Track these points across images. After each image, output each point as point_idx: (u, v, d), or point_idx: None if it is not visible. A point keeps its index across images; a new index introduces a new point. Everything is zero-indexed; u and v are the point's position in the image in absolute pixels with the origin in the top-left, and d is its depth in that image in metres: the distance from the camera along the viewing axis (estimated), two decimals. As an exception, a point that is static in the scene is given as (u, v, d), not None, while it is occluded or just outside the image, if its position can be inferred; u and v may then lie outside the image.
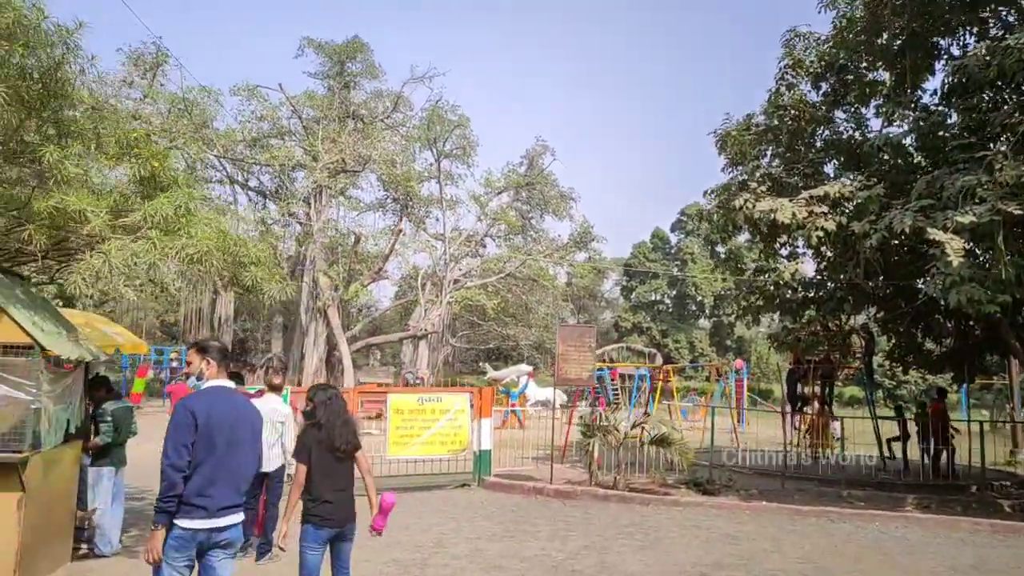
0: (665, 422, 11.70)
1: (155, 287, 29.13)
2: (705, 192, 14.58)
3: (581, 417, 13.17)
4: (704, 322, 57.39)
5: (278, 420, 7.25)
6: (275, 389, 7.61)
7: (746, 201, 11.42)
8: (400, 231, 40.43)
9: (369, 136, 39.54)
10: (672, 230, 57.51)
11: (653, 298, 56.14)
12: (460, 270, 45.37)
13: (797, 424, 16.35)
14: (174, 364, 40.78)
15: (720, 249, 15.19)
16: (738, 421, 26.92)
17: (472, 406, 11.62)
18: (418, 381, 35.46)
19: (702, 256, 51.36)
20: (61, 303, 25.08)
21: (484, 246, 51.24)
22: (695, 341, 52.89)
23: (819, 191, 11.17)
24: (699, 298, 54.05)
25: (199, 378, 4.10)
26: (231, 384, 4.10)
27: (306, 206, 39.74)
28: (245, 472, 3.94)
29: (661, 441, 11.12)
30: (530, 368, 35.89)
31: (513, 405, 30.03)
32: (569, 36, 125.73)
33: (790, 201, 11.07)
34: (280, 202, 42.66)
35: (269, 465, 7.26)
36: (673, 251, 56.92)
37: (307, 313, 39.77)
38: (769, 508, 10.32)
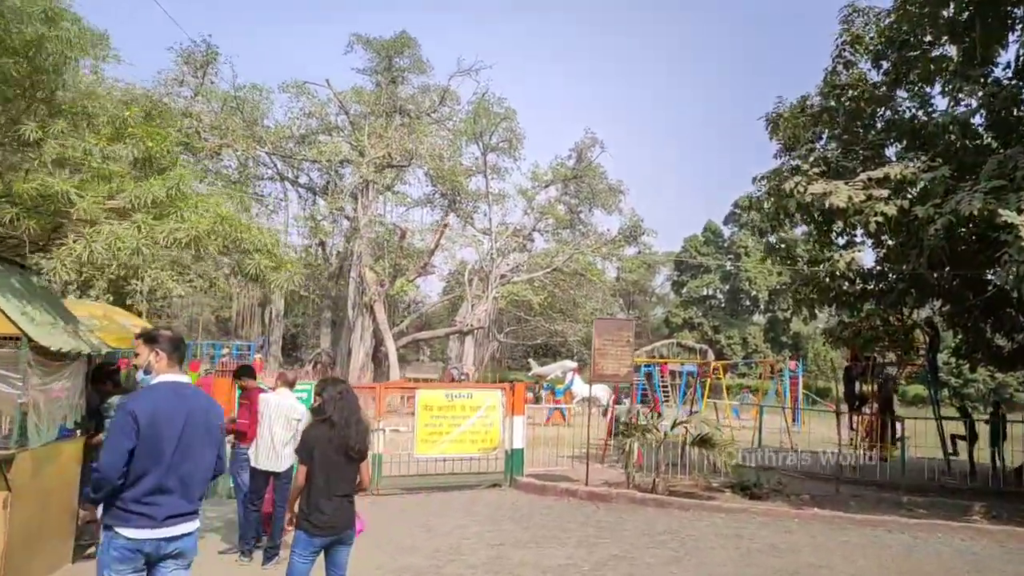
0: (708, 421, 10.98)
1: (204, 282, 29.42)
2: (754, 179, 13.76)
3: (619, 416, 12.51)
4: (758, 318, 55.74)
5: (294, 418, 6.86)
6: (289, 385, 7.21)
7: (797, 184, 10.60)
8: (446, 225, 40.19)
9: (415, 131, 39.39)
10: (725, 223, 56.03)
11: (705, 293, 54.76)
12: (507, 265, 44.96)
13: (855, 424, 15.38)
14: (224, 359, 41.45)
15: (771, 239, 14.25)
16: (792, 421, 25.92)
17: (504, 403, 11.11)
18: (463, 377, 35.14)
19: (756, 249, 49.80)
20: (112, 298, 25.59)
21: (532, 240, 50.78)
22: (749, 337, 51.38)
23: (878, 173, 10.29)
24: (753, 293, 52.47)
25: (147, 372, 3.67)
26: (185, 379, 3.65)
27: (353, 201, 39.89)
28: (199, 477, 3.50)
29: (703, 442, 10.42)
30: (575, 364, 35.20)
31: (558, 402, 29.47)
32: (616, 26, 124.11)
33: (846, 184, 10.22)
34: (329, 198, 43.00)
35: (280, 464, 6.91)
36: (726, 244, 55.45)
37: (353, 309, 39.90)
38: (820, 516, 9.54)
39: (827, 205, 10.04)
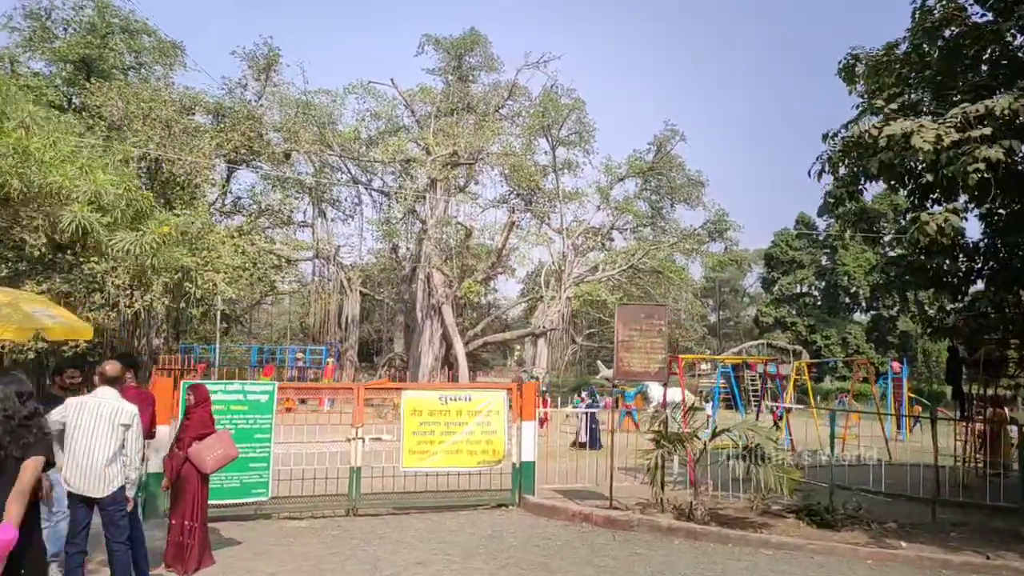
0: (757, 428, 8.79)
1: (263, 284, 29.01)
2: (825, 135, 11.43)
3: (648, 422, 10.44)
4: (860, 316, 51.38)
5: (121, 423, 5.22)
6: (110, 382, 5.47)
7: (871, 126, 8.33)
8: (513, 223, 38.62)
9: (483, 127, 38.03)
10: (819, 215, 51.98)
11: (798, 290, 50.88)
12: (585, 264, 42.97)
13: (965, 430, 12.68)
14: (299, 363, 41.27)
15: (850, 209, 11.82)
16: (897, 429, 22.96)
17: (509, 406, 9.31)
18: (532, 380, 33.42)
19: (856, 243, 45.76)
20: (169, 299, 25.60)
21: (611, 240, 48.59)
22: (849, 337, 47.26)
23: (978, 107, 7.91)
24: (852, 289, 48.27)
25: None
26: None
27: (423, 202, 39.05)
28: None
29: (751, 455, 8.28)
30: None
31: (628, 406, 27.26)
32: (696, 15, 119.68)
33: (935, 121, 7.90)
34: (401, 200, 42.35)
35: (103, 486, 5.15)
36: (821, 238, 51.42)
37: (422, 311, 38.89)
38: (904, 556, 7.25)
39: (911, 145, 7.73)
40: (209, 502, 7.84)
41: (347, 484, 8.66)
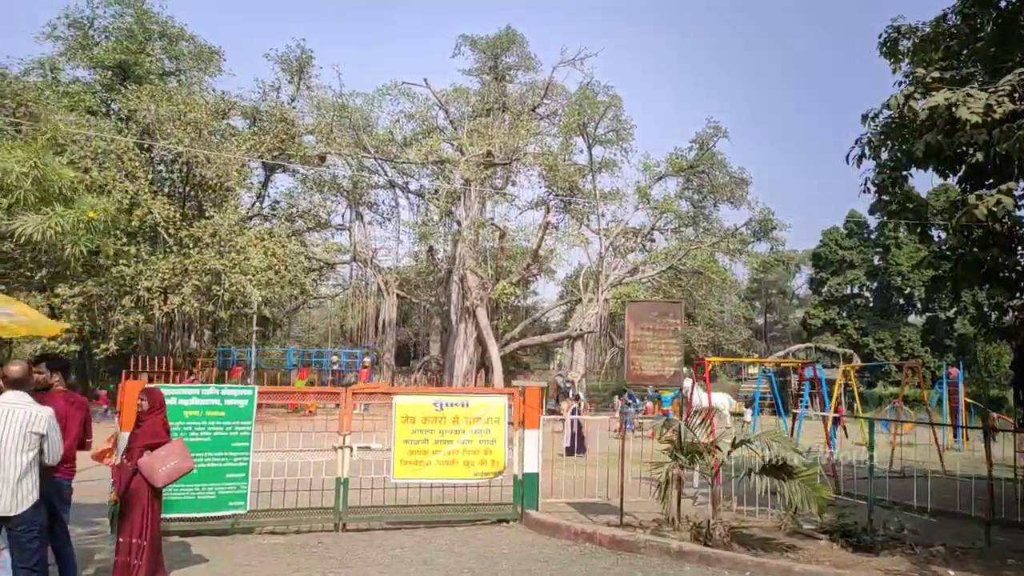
0: (781, 439, 7.86)
1: (294, 287, 28.83)
2: (865, 117, 10.44)
3: (660, 431, 9.52)
4: (915, 318, 49.14)
5: (35, 431, 4.62)
6: (15, 385, 4.72)
7: (911, 96, 7.38)
8: (547, 224, 37.84)
9: (518, 127, 37.37)
10: (871, 213, 49.86)
11: (848, 291, 48.90)
12: (625, 266, 41.94)
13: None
14: (335, 367, 41.19)
15: (892, 194, 10.75)
16: (953, 437, 21.53)
17: (510, 413, 8.57)
18: (568, 384, 32.55)
19: (909, 240, 43.66)
20: (196, 302, 25.55)
21: (652, 240, 47.42)
22: (903, 340, 45.19)
23: (1033, 74, 6.91)
24: (907, 290, 46.17)
25: None
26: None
27: (458, 203, 38.72)
28: None
29: (776, 470, 7.37)
30: (685, 369, 31.68)
31: (665, 412, 26.22)
32: (738, 3, 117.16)
33: (983, 90, 6.92)
34: (439, 202, 42.05)
35: (15, 504, 4.57)
36: (873, 236, 49.36)
37: (456, 314, 38.40)
38: (953, 588, 6.31)
39: (957, 120, 6.77)
40: (183, 515, 7.32)
41: (333, 497, 8.04)
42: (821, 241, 49.98)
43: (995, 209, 6.93)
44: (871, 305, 48.72)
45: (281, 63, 35.08)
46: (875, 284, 48.84)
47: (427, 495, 8.50)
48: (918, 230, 10.61)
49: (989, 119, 6.72)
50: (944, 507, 9.49)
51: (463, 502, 8.48)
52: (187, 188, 27.97)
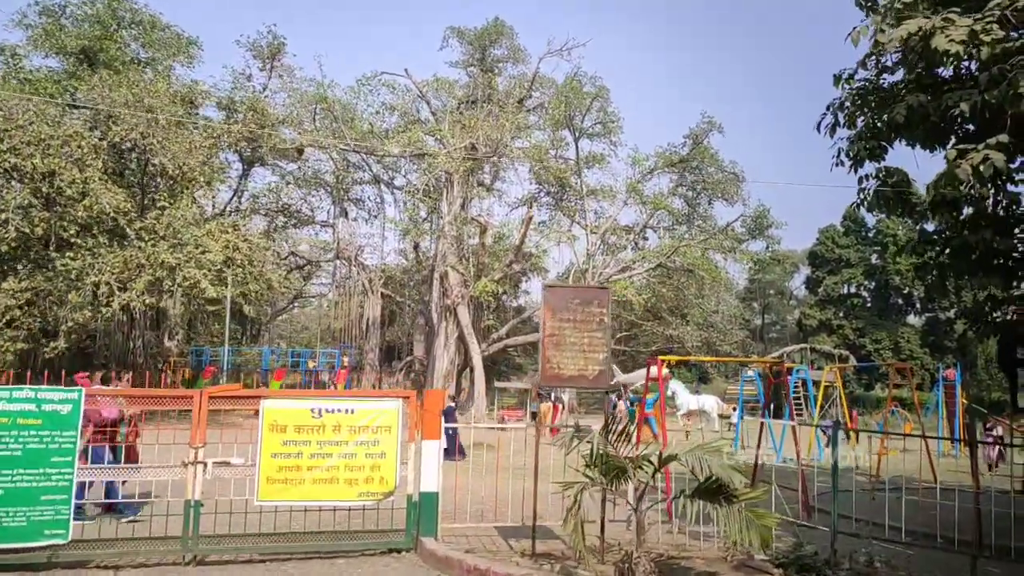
0: (720, 453, 6.39)
1: (260, 284, 27.45)
2: (838, 78, 9.04)
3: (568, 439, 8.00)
4: (913, 319, 47.70)
5: None
6: None
7: (879, 26, 5.97)
8: (530, 219, 36.43)
9: (502, 119, 35.99)
10: (869, 210, 48.45)
11: (845, 291, 47.44)
12: (617, 264, 40.55)
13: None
14: (313, 367, 39.95)
15: (869, 169, 9.30)
16: (951, 444, 20.31)
17: (405, 421, 7.17)
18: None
19: (909, 236, 42.21)
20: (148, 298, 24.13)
21: (645, 238, 46.05)
22: (902, 342, 43.75)
23: (1029, -1, 5.50)
24: (905, 289, 44.74)
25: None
26: None
27: (441, 197, 37.46)
28: None
29: (712, 493, 5.95)
30: (666, 371, 30.16)
31: (647, 415, 24.77)
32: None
33: (965, 16, 5.52)
34: (425, 199, 40.78)
35: None
36: (871, 235, 47.94)
37: (437, 312, 37.05)
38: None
39: (933, 50, 5.36)
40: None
41: (181, 523, 6.64)
42: (818, 239, 48.60)
43: (982, 168, 5.51)
44: (868, 305, 47.30)
45: (252, 50, 33.72)
46: (873, 284, 47.44)
47: (300, 520, 7.08)
48: (899, 211, 9.18)
49: (975, 51, 5.33)
50: (930, 529, 8.09)
51: (344, 529, 7.07)
52: (144, 178, 26.59)
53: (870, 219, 47.98)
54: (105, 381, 9.65)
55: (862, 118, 9.11)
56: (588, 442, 6.06)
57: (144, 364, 29.85)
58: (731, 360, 37.17)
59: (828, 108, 9.20)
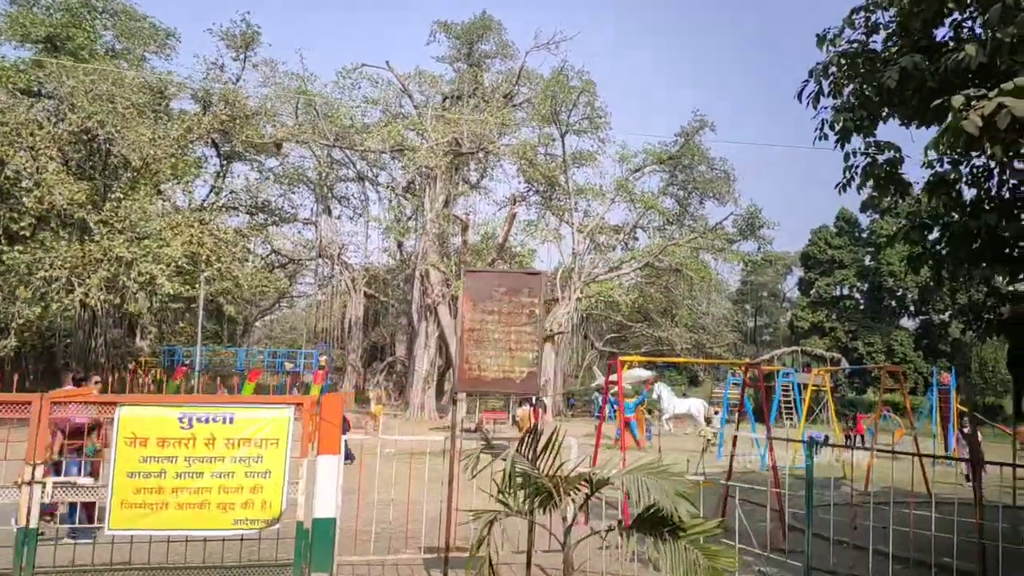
0: (664, 476, 5.16)
1: (226, 280, 26.21)
2: (821, 38, 7.92)
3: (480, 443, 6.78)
4: (907, 321, 46.69)
5: None
6: None
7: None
8: (514, 216, 35.30)
9: (486, 114, 34.85)
10: (862, 210, 47.40)
11: (838, 293, 46.38)
12: (607, 264, 39.45)
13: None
14: (288, 367, 38.89)
15: (856, 144, 8.13)
16: (945, 449, 19.36)
17: (296, 433, 5.97)
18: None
19: (902, 225, 41.02)
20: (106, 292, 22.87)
21: (636, 238, 44.99)
22: (895, 345, 42.73)
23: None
24: (899, 292, 43.70)
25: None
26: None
27: (423, 193, 36.44)
28: None
29: (654, 526, 4.76)
30: (650, 374, 28.99)
31: (627, 419, 23.64)
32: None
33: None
34: (410, 196, 39.68)
35: None
36: (864, 235, 46.92)
37: (418, 311, 35.91)
38: None
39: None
40: None
41: (12, 556, 5.43)
42: (810, 240, 47.57)
43: (998, 119, 4.33)
44: (861, 307, 46.24)
45: (225, 39, 32.49)
46: (866, 285, 46.39)
47: (162, 553, 5.88)
48: (891, 192, 8.02)
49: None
50: (924, 554, 6.95)
51: (217, 564, 5.87)
52: (106, 169, 25.34)
53: (863, 219, 46.99)
54: (78, 383, 8.53)
55: (850, 86, 7.97)
56: (503, 459, 4.86)
57: (107, 363, 28.61)
58: (701, 362, 36.13)
59: (810, 74, 8.05)
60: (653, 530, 4.78)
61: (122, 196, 22.34)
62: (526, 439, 4.93)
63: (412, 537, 6.60)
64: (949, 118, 4.66)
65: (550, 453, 5.08)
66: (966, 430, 16.31)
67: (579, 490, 5.14)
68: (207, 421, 5.79)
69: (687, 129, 39.38)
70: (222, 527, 5.73)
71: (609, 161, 48.53)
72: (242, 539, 5.80)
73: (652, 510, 4.77)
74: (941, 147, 4.94)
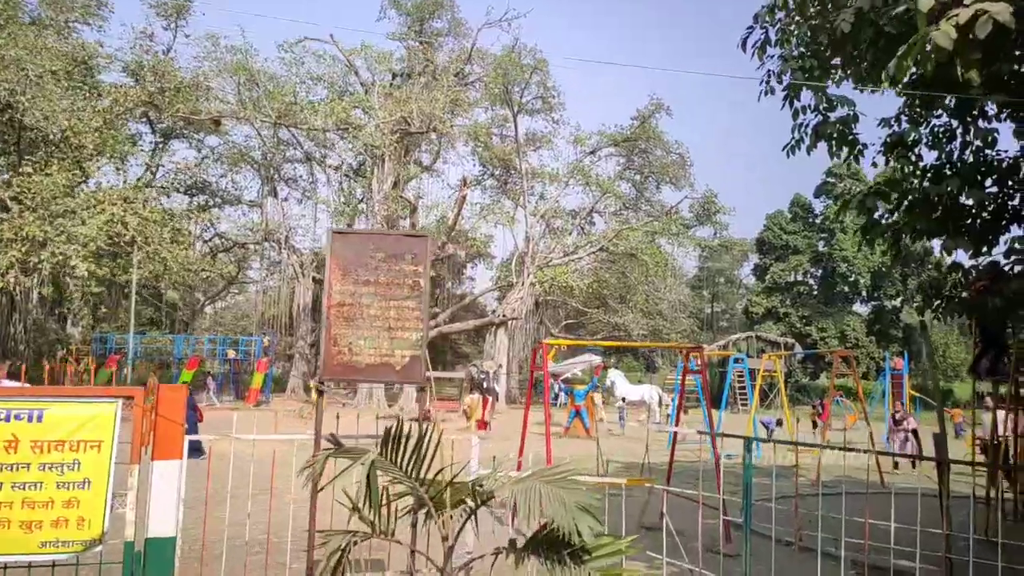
0: (565, 485, 4.16)
1: (154, 263, 24.61)
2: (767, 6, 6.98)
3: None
4: (860, 307, 46.83)
5: None
6: None
7: None
8: (463, 198, 34.15)
9: (436, 92, 33.49)
10: (816, 196, 47.40)
11: (792, 278, 46.28)
12: (561, 248, 38.54)
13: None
14: (231, 355, 37.08)
15: (807, 101, 7.21)
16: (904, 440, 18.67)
17: (121, 432, 4.84)
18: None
19: (856, 224, 41.00)
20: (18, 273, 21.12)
21: (592, 223, 44.22)
22: (847, 330, 42.75)
23: None
24: (852, 277, 43.70)
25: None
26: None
27: (370, 175, 35.13)
28: None
29: (552, 547, 3.79)
30: (599, 359, 28.25)
31: (577, 408, 22.80)
32: None
33: None
34: (359, 178, 38.21)
35: None
36: (818, 221, 46.88)
37: (367, 297, 34.40)
38: None
39: None
40: None
41: None
42: (765, 225, 47.34)
43: (975, 32, 3.40)
44: (815, 293, 46.22)
45: (155, 7, 30.55)
46: (820, 271, 46.36)
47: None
48: (843, 152, 7.14)
49: None
50: (881, 558, 6.14)
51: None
52: (19, 143, 23.52)
53: (817, 204, 46.92)
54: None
55: (798, 33, 7.05)
56: (362, 464, 3.80)
57: (27, 350, 26.84)
58: (638, 345, 35.52)
59: (756, 19, 7.09)
60: (551, 553, 3.79)
61: (31, 171, 20.64)
62: (390, 440, 3.88)
63: (274, 558, 5.45)
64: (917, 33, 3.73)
65: (423, 456, 4.04)
66: (898, 415, 15.76)
67: (464, 502, 4.12)
68: (7, 419, 4.63)
69: (643, 112, 38.63)
70: (26, 551, 4.59)
71: (564, 143, 47.58)
72: (53, 565, 4.65)
73: (549, 530, 3.77)
74: (904, 67, 4.02)
